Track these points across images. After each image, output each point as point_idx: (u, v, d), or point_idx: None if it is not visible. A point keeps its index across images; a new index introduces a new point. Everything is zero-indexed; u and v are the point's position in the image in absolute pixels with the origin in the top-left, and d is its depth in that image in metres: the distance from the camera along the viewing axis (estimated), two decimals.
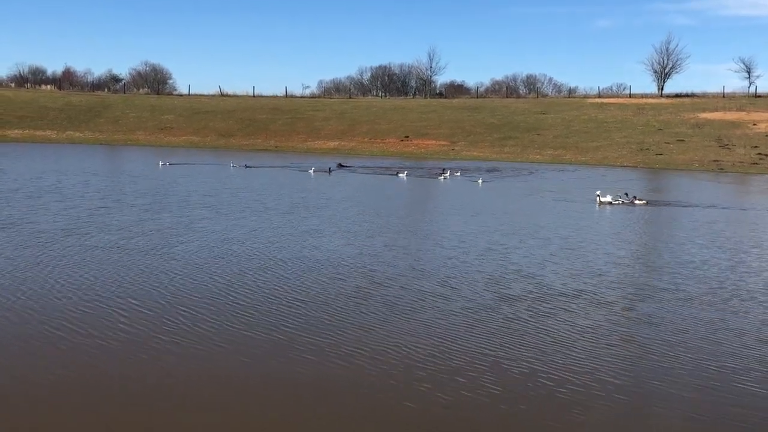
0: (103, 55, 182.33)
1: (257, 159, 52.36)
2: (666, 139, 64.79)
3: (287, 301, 11.74)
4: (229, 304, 11.47)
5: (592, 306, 12.16)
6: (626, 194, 29.27)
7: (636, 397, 8.37)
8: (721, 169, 54.84)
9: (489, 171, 46.22)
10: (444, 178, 40.03)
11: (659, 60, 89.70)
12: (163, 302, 11.45)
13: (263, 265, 14.59)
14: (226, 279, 13.25)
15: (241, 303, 11.56)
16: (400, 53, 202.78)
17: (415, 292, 12.72)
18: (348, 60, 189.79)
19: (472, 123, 75.05)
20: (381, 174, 42.59)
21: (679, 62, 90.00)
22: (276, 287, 12.72)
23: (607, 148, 63.66)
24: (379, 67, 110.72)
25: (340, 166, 45.23)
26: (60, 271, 13.40)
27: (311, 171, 41.80)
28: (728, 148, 60.60)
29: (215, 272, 13.77)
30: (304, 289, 12.69)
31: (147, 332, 9.96)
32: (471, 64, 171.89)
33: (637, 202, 28.70)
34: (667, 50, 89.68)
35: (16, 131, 71.36)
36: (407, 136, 71.66)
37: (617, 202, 28.45)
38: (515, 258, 16.16)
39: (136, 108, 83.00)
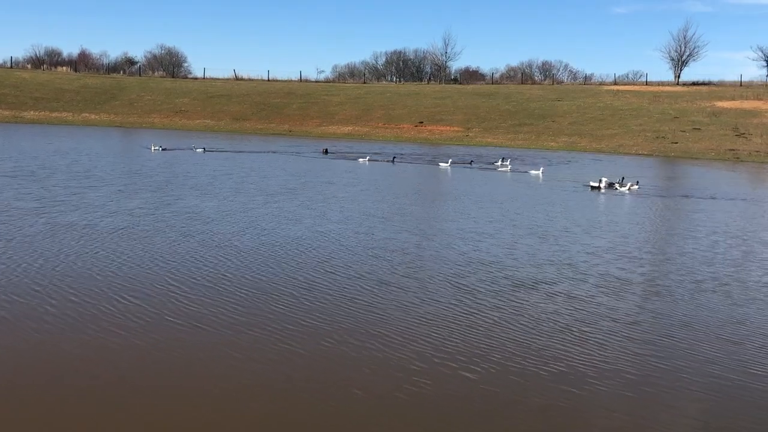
0: (119, 38, 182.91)
1: (268, 143, 52.28)
2: (682, 128, 63.96)
3: (233, 291, 11.43)
4: (170, 294, 11.13)
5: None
6: (604, 178, 29.13)
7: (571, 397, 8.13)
8: (738, 158, 54.10)
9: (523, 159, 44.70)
10: (508, 170, 36.60)
11: (676, 47, 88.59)
12: (99, 289, 11.13)
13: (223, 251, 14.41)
14: (177, 264, 12.98)
15: (184, 292, 11.23)
16: (415, 38, 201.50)
17: (376, 282, 12.51)
18: (362, 45, 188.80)
19: (487, 109, 74.53)
20: (418, 163, 42.04)
21: (696, 50, 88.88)
22: (227, 275, 12.44)
23: (622, 136, 62.99)
24: (394, 52, 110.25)
25: (326, 151, 43.86)
26: (9, 250, 13.24)
27: (364, 160, 39.22)
28: (745, 137, 59.75)
29: (169, 257, 13.49)
30: (254, 277, 12.40)
31: (75, 321, 9.69)
32: (486, 50, 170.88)
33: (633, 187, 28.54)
34: (684, 38, 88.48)
35: (32, 113, 71.78)
36: (421, 122, 71.33)
37: (622, 187, 28.29)
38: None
39: (152, 91, 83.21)
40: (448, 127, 69.54)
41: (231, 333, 9.50)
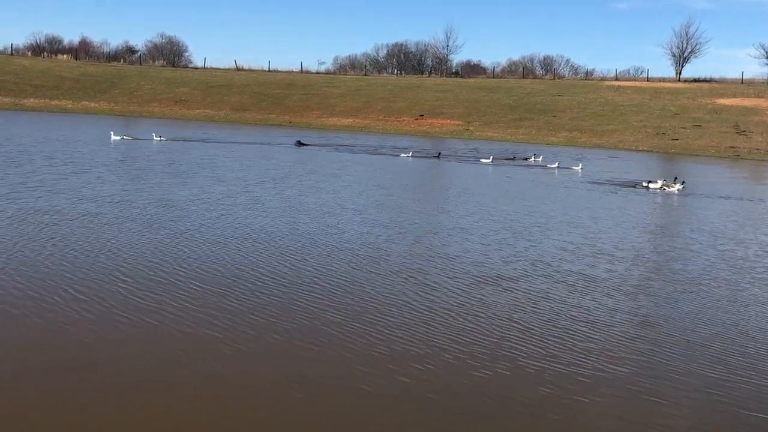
0: (120, 26, 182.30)
1: (256, 134, 51.97)
2: (682, 124, 63.62)
3: (186, 284, 11.15)
4: (119, 286, 10.83)
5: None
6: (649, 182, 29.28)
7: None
8: (738, 155, 53.87)
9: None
10: (555, 168, 36.04)
11: (678, 44, 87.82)
12: (45, 280, 10.86)
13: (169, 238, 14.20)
14: (135, 254, 12.71)
15: (134, 285, 10.96)
16: (417, 31, 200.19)
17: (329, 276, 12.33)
18: (364, 36, 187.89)
19: (488, 103, 74.21)
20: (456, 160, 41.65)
21: (698, 46, 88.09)
22: (184, 267, 12.15)
23: (623, 132, 62.72)
24: (395, 44, 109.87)
25: (300, 143, 42.54)
26: None
27: (407, 155, 38.33)
28: (745, 135, 59.42)
29: (127, 247, 13.21)
30: (211, 270, 12.06)
31: (16, 314, 9.43)
32: (488, 44, 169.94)
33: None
34: (686, 34, 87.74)
35: (31, 100, 71.54)
36: (422, 115, 71.03)
37: (671, 188, 28.21)
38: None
39: (152, 80, 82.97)
40: (448, 121, 69.28)
41: (175, 328, 9.26)
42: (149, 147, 35.80)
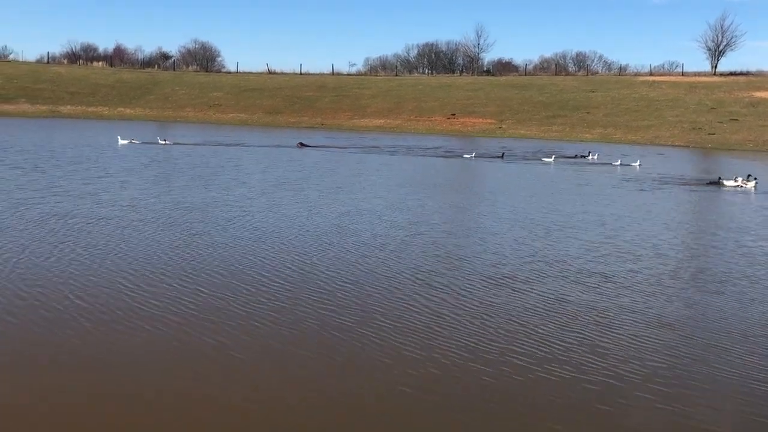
0: (153, 33, 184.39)
1: (289, 137, 52.08)
2: (719, 119, 62.72)
3: (191, 288, 11.12)
4: (123, 291, 10.86)
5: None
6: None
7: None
8: None
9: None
10: (616, 164, 36.27)
11: (713, 37, 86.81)
12: (52, 286, 10.82)
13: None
14: (142, 258, 12.72)
15: (140, 289, 10.94)
16: (448, 30, 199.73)
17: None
18: (395, 37, 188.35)
19: (520, 101, 73.83)
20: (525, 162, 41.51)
21: (733, 39, 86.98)
22: (190, 271, 12.09)
23: (658, 127, 61.99)
24: (426, 44, 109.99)
25: (302, 145, 42.23)
26: None
27: (470, 156, 38.38)
28: None
29: (134, 251, 13.22)
30: (215, 273, 11.98)
31: (21, 321, 9.38)
32: (519, 41, 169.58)
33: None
34: (721, 27, 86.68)
35: (68, 107, 72.64)
36: (453, 114, 70.88)
37: (740, 185, 27.76)
38: None
39: (186, 85, 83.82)
40: (480, 119, 69.03)
41: (180, 335, 9.21)
42: (154, 150, 35.87)
